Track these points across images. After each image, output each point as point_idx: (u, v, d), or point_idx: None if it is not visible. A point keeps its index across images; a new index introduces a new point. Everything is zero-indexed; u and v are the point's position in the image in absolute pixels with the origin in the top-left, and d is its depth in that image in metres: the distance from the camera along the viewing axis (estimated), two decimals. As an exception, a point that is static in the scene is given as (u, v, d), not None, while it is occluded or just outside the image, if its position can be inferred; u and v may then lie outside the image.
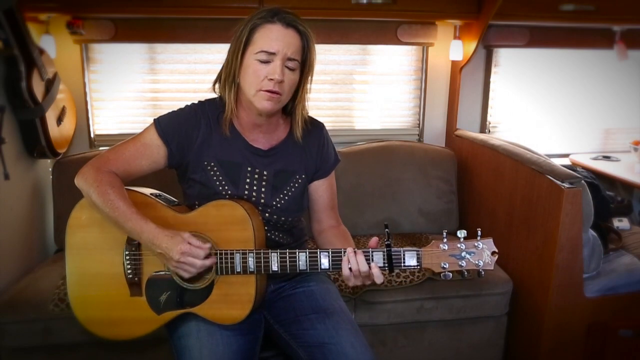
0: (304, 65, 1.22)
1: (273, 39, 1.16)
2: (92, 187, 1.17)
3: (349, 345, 1.19)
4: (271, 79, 1.16)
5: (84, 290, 1.24)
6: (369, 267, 1.13)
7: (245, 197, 1.27)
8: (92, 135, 2.33)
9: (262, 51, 1.16)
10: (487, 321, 1.96)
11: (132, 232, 1.17)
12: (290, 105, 1.29)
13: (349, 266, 1.14)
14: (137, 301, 1.22)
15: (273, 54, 1.16)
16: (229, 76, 1.21)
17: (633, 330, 1.82)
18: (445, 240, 1.13)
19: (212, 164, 1.26)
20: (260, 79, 1.17)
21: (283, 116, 1.33)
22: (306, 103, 1.29)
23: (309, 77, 1.25)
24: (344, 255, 1.14)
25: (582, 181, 1.72)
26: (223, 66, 1.24)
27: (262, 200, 1.28)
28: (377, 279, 1.14)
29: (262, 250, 1.18)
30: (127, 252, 1.22)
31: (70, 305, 1.25)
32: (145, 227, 1.15)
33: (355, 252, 1.14)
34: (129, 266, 1.23)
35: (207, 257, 1.15)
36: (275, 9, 1.18)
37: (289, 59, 1.17)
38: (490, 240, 1.13)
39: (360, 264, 1.13)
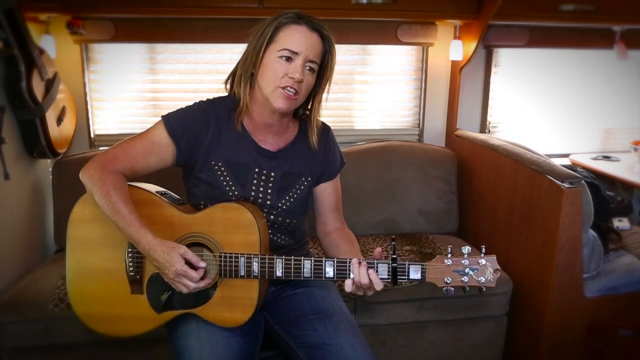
0: (323, 70, 1.24)
1: (298, 39, 1.17)
2: (95, 186, 1.16)
3: (348, 346, 1.19)
4: (291, 77, 1.17)
5: (84, 285, 1.24)
6: (370, 279, 1.13)
7: (251, 198, 1.26)
8: (92, 135, 2.33)
9: (286, 49, 1.17)
10: (487, 321, 1.96)
11: (131, 238, 1.16)
12: (302, 110, 1.30)
13: (352, 276, 1.14)
14: (137, 299, 1.22)
15: (296, 53, 1.17)
16: (246, 72, 1.22)
17: (633, 330, 1.82)
18: (449, 255, 1.15)
19: (220, 163, 1.26)
20: (279, 77, 1.17)
21: (293, 119, 1.33)
22: (321, 110, 1.30)
23: (328, 83, 1.27)
24: (350, 272, 1.15)
25: (582, 181, 1.72)
26: (239, 63, 1.24)
27: (268, 202, 1.27)
28: (377, 286, 1.14)
29: (267, 256, 1.18)
30: (129, 249, 1.21)
31: (69, 300, 1.24)
32: (144, 237, 1.14)
33: (359, 263, 1.14)
34: (130, 263, 1.22)
35: (202, 278, 1.16)
36: (300, 13, 1.20)
37: (310, 61, 1.19)
38: (493, 258, 1.14)
39: (362, 276, 1.13)
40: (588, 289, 1.82)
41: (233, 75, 1.27)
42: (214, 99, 1.30)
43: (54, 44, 2.10)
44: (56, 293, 1.69)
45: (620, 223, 2.23)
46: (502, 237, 2.03)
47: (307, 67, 1.19)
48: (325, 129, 1.37)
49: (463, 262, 1.14)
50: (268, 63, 1.19)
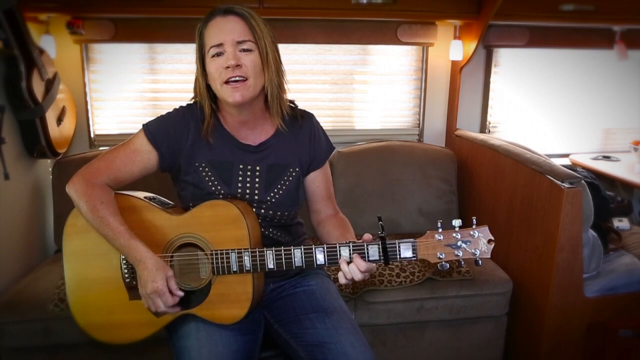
0: (259, 44, 1.20)
1: (216, 32, 1.17)
2: (81, 201, 1.18)
3: (349, 345, 1.19)
4: (227, 67, 1.16)
5: (84, 296, 1.24)
6: (357, 268, 1.13)
7: (239, 195, 1.26)
8: (92, 135, 2.33)
9: (211, 47, 1.17)
10: (487, 321, 1.96)
11: (121, 250, 1.17)
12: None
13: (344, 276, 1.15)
14: (136, 304, 1.21)
15: (220, 44, 1.16)
16: (201, 85, 1.23)
17: (633, 330, 1.82)
18: (440, 230, 1.12)
19: (204, 164, 1.26)
20: (219, 73, 1.17)
21: (269, 110, 1.30)
22: (284, 86, 1.26)
23: (269, 55, 1.21)
24: (340, 257, 1.15)
25: (582, 181, 1.72)
26: (195, 81, 1.26)
27: (256, 197, 1.27)
28: (362, 266, 1.13)
29: (257, 249, 1.18)
30: (123, 257, 1.22)
31: (71, 312, 1.25)
32: (135, 248, 1.15)
33: (348, 262, 1.14)
34: (126, 270, 1.23)
35: (176, 303, 1.17)
36: (215, 9, 1.20)
37: (240, 42, 1.17)
38: (485, 228, 1.12)
39: (353, 272, 1.13)
40: (588, 289, 1.81)
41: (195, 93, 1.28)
42: (193, 103, 1.30)
43: (54, 44, 2.10)
44: (56, 293, 1.69)
45: (620, 223, 2.23)
46: (502, 237, 2.03)
47: (243, 49, 1.17)
48: (308, 116, 1.35)
49: (454, 235, 1.11)
50: (208, 69, 1.19)
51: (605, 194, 2.15)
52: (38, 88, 1.87)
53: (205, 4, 2.01)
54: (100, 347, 1.70)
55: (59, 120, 2.03)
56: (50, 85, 1.95)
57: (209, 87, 1.23)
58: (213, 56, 1.17)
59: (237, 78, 1.16)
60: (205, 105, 1.24)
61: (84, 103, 2.28)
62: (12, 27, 1.73)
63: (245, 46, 1.17)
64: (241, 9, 1.19)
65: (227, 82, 1.16)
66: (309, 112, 1.37)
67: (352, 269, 1.13)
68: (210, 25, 1.19)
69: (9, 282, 1.82)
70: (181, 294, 1.17)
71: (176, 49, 2.32)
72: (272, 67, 1.21)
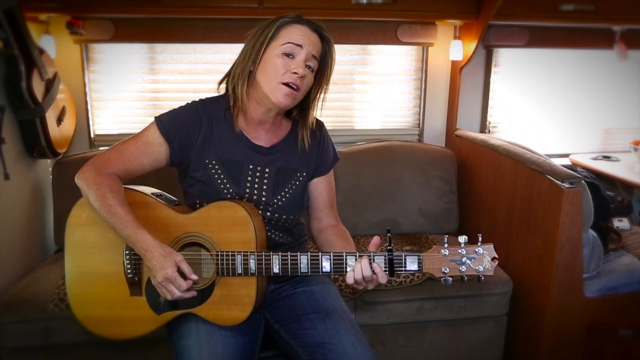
0: (322, 71, 1.27)
1: (300, 34, 1.20)
2: (91, 189, 1.17)
3: (349, 345, 1.19)
4: (295, 72, 1.18)
5: (83, 289, 1.24)
6: (372, 270, 1.13)
7: (246, 195, 1.27)
8: (92, 135, 2.33)
9: (289, 42, 1.19)
10: (487, 321, 1.96)
11: (128, 239, 1.17)
12: (295, 110, 1.31)
13: (354, 275, 1.14)
14: (137, 301, 1.22)
15: (299, 46, 1.19)
16: (244, 70, 1.23)
17: (633, 330, 1.82)
18: (446, 245, 1.14)
19: (214, 162, 1.26)
20: (281, 72, 1.18)
21: (285, 117, 1.34)
22: (316, 111, 1.32)
23: (325, 84, 1.28)
24: (346, 266, 1.15)
25: (582, 181, 1.72)
26: (236, 63, 1.25)
27: (263, 199, 1.28)
28: (382, 279, 1.14)
29: (263, 253, 1.18)
30: (127, 252, 1.22)
31: (69, 304, 1.25)
32: (142, 237, 1.15)
33: (357, 258, 1.14)
34: (129, 265, 1.22)
35: (190, 288, 1.16)
36: (300, 15, 1.24)
37: (313, 57, 1.21)
38: (490, 246, 1.14)
39: (364, 269, 1.13)
40: (588, 289, 1.82)
41: (228, 75, 1.27)
42: (207, 98, 1.30)
43: (54, 44, 2.10)
44: (56, 293, 1.69)
45: (620, 223, 2.23)
46: (502, 237, 2.03)
47: (307, 65, 1.21)
48: (318, 124, 1.37)
49: (460, 251, 1.13)
50: (269, 59, 1.20)
51: (605, 194, 2.15)
52: (38, 88, 1.87)
53: (205, 4, 2.04)
54: (100, 346, 1.71)
55: (59, 120, 2.03)
56: (50, 85, 1.95)
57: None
58: (284, 53, 1.19)
59: (294, 86, 1.19)
60: (242, 90, 1.23)
61: (84, 103, 2.28)
62: (12, 27, 1.72)
63: (312, 64, 1.22)
64: (327, 34, 1.26)
65: (285, 83, 1.18)
66: (320, 121, 1.39)
67: (364, 265, 1.13)
68: (295, 26, 1.21)
69: (9, 282, 1.82)
70: (195, 277, 1.15)
71: (176, 49, 2.32)
72: (324, 89, 1.29)
